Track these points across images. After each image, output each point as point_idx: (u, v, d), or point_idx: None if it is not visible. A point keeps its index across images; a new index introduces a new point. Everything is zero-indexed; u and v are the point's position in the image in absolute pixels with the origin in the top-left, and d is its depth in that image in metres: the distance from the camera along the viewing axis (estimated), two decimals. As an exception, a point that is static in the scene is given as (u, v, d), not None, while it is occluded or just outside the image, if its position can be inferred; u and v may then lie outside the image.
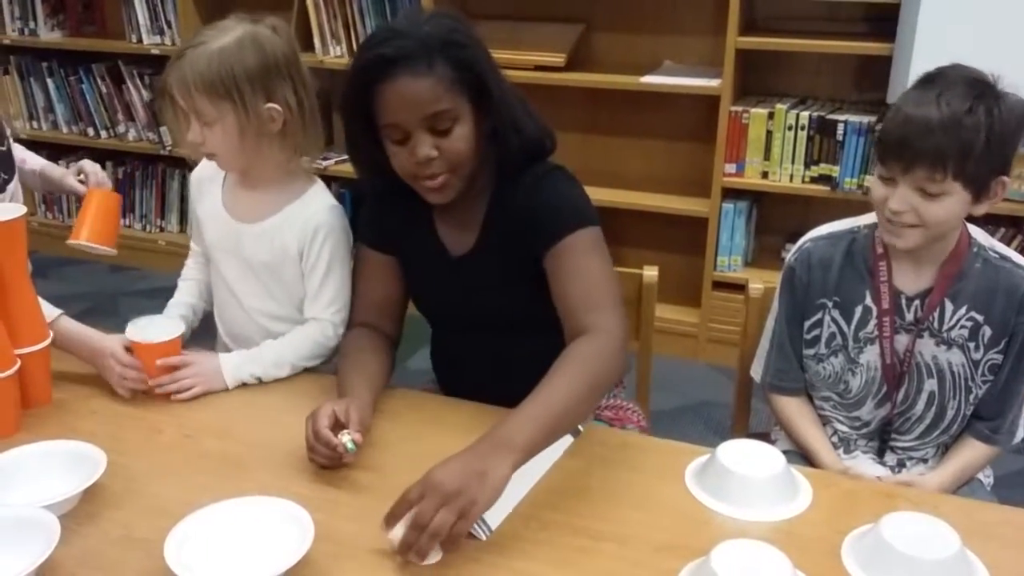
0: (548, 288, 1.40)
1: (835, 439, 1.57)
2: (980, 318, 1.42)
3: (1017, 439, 1.50)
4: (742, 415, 1.82)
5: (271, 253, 1.60)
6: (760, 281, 1.75)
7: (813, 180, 2.99)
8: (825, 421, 1.59)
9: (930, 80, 1.34)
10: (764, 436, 1.70)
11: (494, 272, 1.47)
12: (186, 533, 1.08)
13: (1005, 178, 1.34)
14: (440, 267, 1.51)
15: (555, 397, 1.19)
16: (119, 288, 3.79)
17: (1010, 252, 1.45)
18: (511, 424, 1.15)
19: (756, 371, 1.65)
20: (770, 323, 1.60)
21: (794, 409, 1.58)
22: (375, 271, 1.56)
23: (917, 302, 1.44)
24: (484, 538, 1.14)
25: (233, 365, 1.53)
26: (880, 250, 1.45)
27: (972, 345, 1.44)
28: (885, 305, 1.45)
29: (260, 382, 1.54)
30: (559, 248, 1.37)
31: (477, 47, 1.36)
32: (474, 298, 1.50)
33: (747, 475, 1.23)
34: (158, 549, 1.06)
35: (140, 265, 3.93)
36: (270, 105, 1.49)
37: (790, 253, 1.56)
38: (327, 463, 1.27)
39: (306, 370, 1.58)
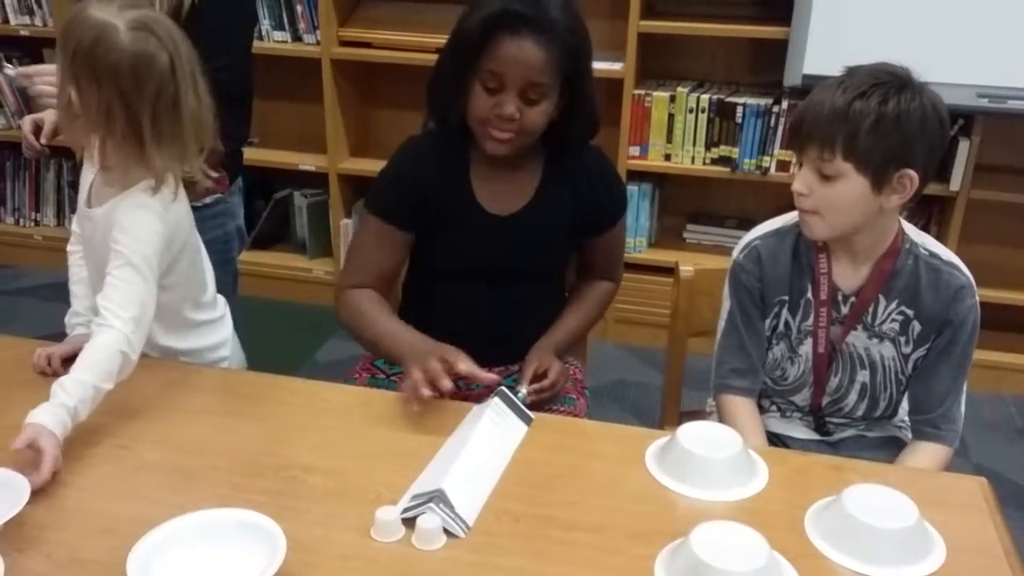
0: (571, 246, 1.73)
1: (773, 409, 1.62)
2: (910, 312, 1.46)
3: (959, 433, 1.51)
4: (674, 396, 1.85)
5: (102, 247, 1.43)
6: (690, 264, 1.78)
7: (713, 162, 3.06)
8: (762, 402, 1.62)
9: (847, 73, 1.36)
10: (698, 415, 1.74)
11: (539, 232, 1.64)
12: (148, 552, 1.01)
13: (911, 171, 1.33)
14: (482, 225, 1.62)
15: (583, 318, 1.78)
16: (-7, 288, 3.54)
17: (939, 249, 1.47)
18: (555, 336, 1.71)
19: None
20: (721, 324, 1.58)
21: (746, 414, 1.54)
22: (382, 241, 1.62)
23: (853, 298, 1.47)
24: (464, 534, 1.12)
25: (51, 418, 1.21)
26: (820, 243, 1.46)
27: (903, 339, 1.48)
28: (823, 296, 1.47)
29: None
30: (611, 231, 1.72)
31: (587, 42, 1.51)
32: (515, 253, 1.64)
33: (709, 456, 1.24)
34: (115, 571, 1.00)
35: (15, 262, 3.69)
36: None
37: (736, 251, 1.55)
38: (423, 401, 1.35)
39: (234, 368, 1.51)
